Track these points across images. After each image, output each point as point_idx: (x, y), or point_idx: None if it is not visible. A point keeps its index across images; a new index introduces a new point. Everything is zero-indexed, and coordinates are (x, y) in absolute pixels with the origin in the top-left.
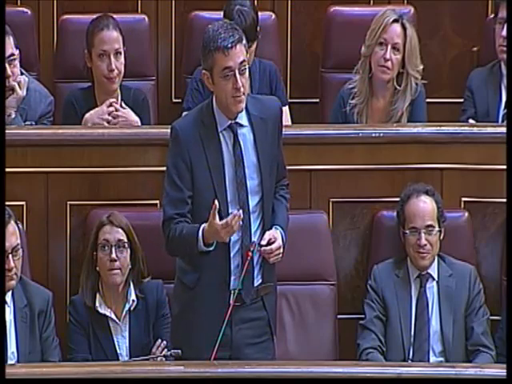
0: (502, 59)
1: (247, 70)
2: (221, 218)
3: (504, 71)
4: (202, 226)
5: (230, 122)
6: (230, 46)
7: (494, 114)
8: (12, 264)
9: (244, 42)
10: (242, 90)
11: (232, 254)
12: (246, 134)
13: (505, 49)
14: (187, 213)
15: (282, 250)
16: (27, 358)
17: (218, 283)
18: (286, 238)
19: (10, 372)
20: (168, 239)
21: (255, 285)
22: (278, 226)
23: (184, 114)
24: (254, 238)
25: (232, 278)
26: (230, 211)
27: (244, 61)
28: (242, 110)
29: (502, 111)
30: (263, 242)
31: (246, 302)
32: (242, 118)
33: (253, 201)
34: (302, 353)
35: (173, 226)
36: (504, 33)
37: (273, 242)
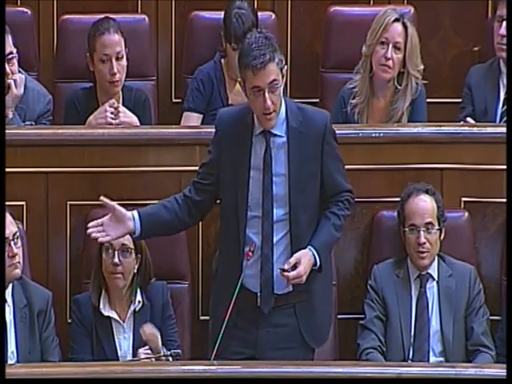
0: (500, 57)
1: (280, 88)
2: (237, 217)
3: (503, 69)
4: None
5: (263, 128)
6: (259, 66)
7: (492, 111)
8: (15, 250)
9: (277, 59)
10: (271, 108)
11: (250, 262)
12: (280, 144)
13: (503, 47)
14: (190, 195)
15: (303, 278)
16: (27, 358)
17: (229, 279)
18: (321, 259)
19: (9, 372)
20: None
21: (282, 292)
22: (311, 247)
23: (185, 113)
24: (277, 249)
25: (253, 280)
26: (248, 215)
27: (275, 80)
28: (271, 127)
29: (500, 109)
30: (286, 266)
31: (264, 310)
32: (279, 128)
33: (278, 211)
34: None
35: (186, 191)
36: (502, 31)
37: (296, 267)
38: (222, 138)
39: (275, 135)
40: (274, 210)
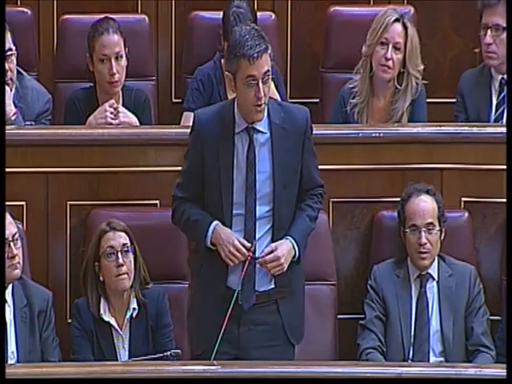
0: (488, 65)
1: (270, 79)
2: (223, 217)
3: (494, 74)
4: (215, 223)
5: (247, 125)
6: (256, 55)
7: (485, 117)
8: (15, 251)
9: (269, 51)
10: (263, 99)
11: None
12: (264, 141)
13: (490, 55)
14: (194, 195)
15: (281, 262)
16: (27, 358)
17: (214, 281)
18: (300, 249)
19: (9, 372)
20: (174, 214)
21: (264, 289)
22: (288, 237)
23: (185, 113)
24: (259, 246)
25: (235, 278)
26: (234, 212)
27: (268, 70)
28: (261, 119)
29: (493, 115)
30: (262, 254)
31: (244, 306)
32: (261, 125)
33: (262, 208)
34: (302, 353)
35: (180, 204)
36: (487, 39)
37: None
38: (202, 139)
39: (258, 131)
40: (258, 208)
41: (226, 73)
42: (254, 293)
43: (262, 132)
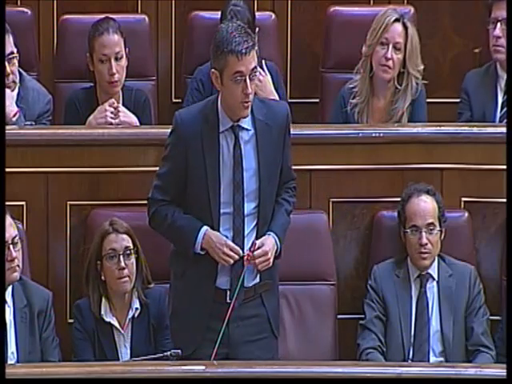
0: (496, 59)
1: (257, 76)
2: (211, 217)
3: (500, 72)
4: (204, 229)
5: (232, 123)
6: (244, 51)
7: (490, 116)
8: (14, 254)
9: (256, 48)
10: (250, 96)
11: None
12: (248, 138)
13: (499, 49)
14: (174, 198)
15: (268, 256)
16: (27, 358)
17: (202, 282)
18: (281, 243)
19: (10, 372)
20: (154, 218)
21: (251, 284)
22: (271, 232)
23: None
24: (247, 243)
25: (223, 278)
26: (221, 211)
27: (255, 67)
28: (247, 116)
29: (498, 113)
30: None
31: (235, 304)
32: (246, 122)
33: (249, 205)
34: (302, 353)
35: (161, 208)
36: (497, 32)
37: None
38: (185, 139)
39: (243, 129)
40: (245, 205)
41: (212, 70)
42: (243, 289)
43: (247, 129)
